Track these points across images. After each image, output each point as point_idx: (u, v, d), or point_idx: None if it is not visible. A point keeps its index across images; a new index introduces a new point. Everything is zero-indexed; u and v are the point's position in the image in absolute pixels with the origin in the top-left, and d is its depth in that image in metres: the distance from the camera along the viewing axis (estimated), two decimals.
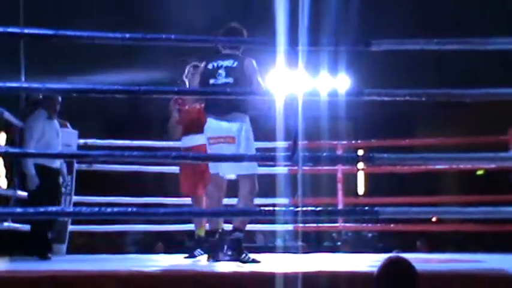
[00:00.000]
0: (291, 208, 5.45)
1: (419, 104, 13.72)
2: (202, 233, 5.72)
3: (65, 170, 6.04)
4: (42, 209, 3.73)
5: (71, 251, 6.66)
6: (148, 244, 11.40)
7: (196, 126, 5.56)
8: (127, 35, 3.71)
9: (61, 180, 5.90)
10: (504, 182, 7.23)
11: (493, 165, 7.52)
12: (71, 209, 6.08)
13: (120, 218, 3.86)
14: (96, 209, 3.71)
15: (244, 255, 4.80)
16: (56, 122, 5.81)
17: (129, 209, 3.92)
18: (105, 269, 4.00)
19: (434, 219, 12.74)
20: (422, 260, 5.52)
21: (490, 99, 4.06)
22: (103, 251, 7.50)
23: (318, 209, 3.95)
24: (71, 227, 6.64)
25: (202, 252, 5.52)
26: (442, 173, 14.88)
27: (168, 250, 9.18)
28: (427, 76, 13.47)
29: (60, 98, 5.74)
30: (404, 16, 11.80)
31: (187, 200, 7.23)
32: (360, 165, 7.76)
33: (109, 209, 3.71)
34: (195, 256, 5.62)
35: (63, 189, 6.12)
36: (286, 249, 7.43)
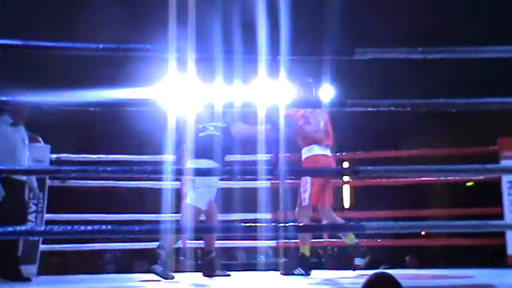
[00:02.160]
0: (273, 224, 5.49)
1: (406, 115, 13.82)
2: (306, 252, 5.89)
3: (35, 185, 5.92)
4: (10, 228, 3.69)
5: (42, 272, 6.59)
6: (126, 263, 11.32)
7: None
8: (101, 46, 3.71)
9: (31, 195, 5.83)
10: (494, 193, 7.27)
11: (481, 177, 7.57)
12: (42, 227, 6.02)
13: (94, 236, 3.83)
14: (69, 227, 3.68)
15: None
16: (22, 130, 5.67)
17: (104, 227, 3.90)
18: None
19: (423, 233, 12.80)
20: (411, 277, 5.55)
21: (476, 109, 4.08)
22: (78, 271, 7.45)
23: (301, 224, 3.95)
24: (42, 247, 6.57)
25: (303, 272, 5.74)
26: (431, 185, 14.96)
27: (147, 269, 9.12)
28: (414, 86, 13.54)
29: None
30: (390, 26, 11.88)
31: (166, 217, 7.23)
32: (345, 178, 7.78)
33: (82, 227, 3.68)
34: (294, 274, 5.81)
35: (34, 207, 6.06)
36: (268, 267, 7.42)
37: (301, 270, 5.85)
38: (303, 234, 5.76)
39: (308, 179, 5.99)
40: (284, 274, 5.92)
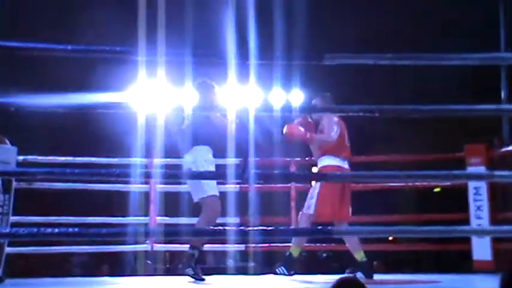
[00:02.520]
0: (242, 227, 5.49)
1: (375, 121, 13.94)
2: (295, 253, 5.95)
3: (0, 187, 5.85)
4: None
5: (7, 275, 6.50)
6: (93, 266, 11.25)
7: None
8: (69, 47, 3.68)
9: None
10: (460, 199, 7.34)
11: (447, 183, 7.63)
12: (8, 229, 5.94)
13: (60, 239, 3.80)
14: (35, 229, 3.64)
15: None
16: None
17: (70, 230, 3.87)
18: None
19: (391, 238, 12.87)
20: (378, 282, 5.58)
21: (443, 115, 4.12)
22: (44, 274, 7.38)
23: (270, 228, 3.95)
24: (7, 249, 6.49)
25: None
26: (399, 191, 15.06)
27: (114, 272, 9.09)
28: (384, 92, 13.64)
29: None
30: (358, 32, 11.96)
31: (134, 220, 7.20)
32: (314, 183, 7.78)
33: (49, 230, 3.64)
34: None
35: None
36: (237, 271, 7.41)
37: (283, 269, 5.88)
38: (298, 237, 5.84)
39: (317, 186, 5.93)
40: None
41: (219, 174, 4.29)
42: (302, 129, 5.90)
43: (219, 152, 5.74)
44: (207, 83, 5.87)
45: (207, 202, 5.61)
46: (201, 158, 5.62)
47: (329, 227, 3.86)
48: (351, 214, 6.01)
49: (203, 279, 5.49)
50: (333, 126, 5.94)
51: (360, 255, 5.84)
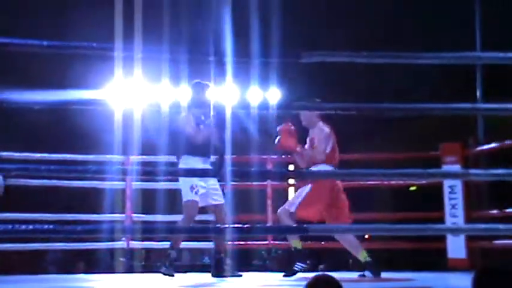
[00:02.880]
0: (218, 225, 5.47)
1: (351, 118, 13.98)
2: (298, 245, 5.90)
3: None
4: None
5: None
6: (69, 263, 11.18)
7: None
8: (45, 43, 3.64)
9: None
10: (435, 197, 7.38)
11: (423, 181, 7.67)
12: None
13: (35, 235, 3.76)
14: (10, 226, 3.61)
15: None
16: None
17: (45, 227, 3.84)
18: None
19: (366, 236, 12.92)
20: (354, 279, 5.60)
21: (420, 114, 4.14)
22: (19, 271, 7.32)
23: (246, 225, 3.95)
24: None
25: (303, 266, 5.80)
26: (375, 189, 15.12)
27: (90, 269, 9.04)
28: (362, 90, 13.70)
29: None
30: (340, 30, 11.99)
31: (110, 217, 7.16)
32: (290, 180, 7.81)
33: (23, 226, 3.62)
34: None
35: None
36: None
37: (300, 265, 5.89)
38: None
39: (308, 187, 5.91)
40: (286, 276, 5.93)
41: (194, 172, 4.28)
42: (294, 141, 5.93)
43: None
44: (202, 83, 5.87)
45: (184, 206, 5.72)
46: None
47: (305, 225, 3.86)
48: (346, 216, 5.97)
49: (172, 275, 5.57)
50: (325, 143, 5.93)
51: (363, 256, 5.85)
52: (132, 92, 7.27)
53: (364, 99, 4.26)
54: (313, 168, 5.95)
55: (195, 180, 5.67)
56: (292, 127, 5.90)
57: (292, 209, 5.87)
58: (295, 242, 5.93)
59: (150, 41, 4.00)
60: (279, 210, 6.00)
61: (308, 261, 5.96)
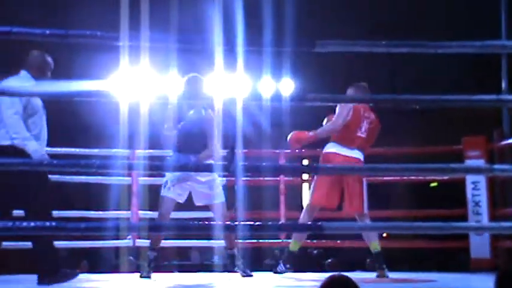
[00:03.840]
0: (229, 222, 5.49)
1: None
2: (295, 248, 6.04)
3: None
4: None
5: None
6: (72, 262, 11.22)
7: None
8: (47, 31, 3.66)
9: None
10: (458, 194, 7.36)
11: (445, 177, 7.65)
12: None
13: (37, 233, 3.79)
14: (10, 223, 3.63)
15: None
16: None
17: (47, 224, 3.86)
18: None
19: (385, 235, 12.89)
20: (372, 280, 5.60)
21: (441, 106, 4.13)
22: (19, 271, 7.34)
23: (258, 223, 3.96)
24: None
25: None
26: (394, 185, 15.08)
27: (94, 268, 9.07)
28: (378, 83, 13.66)
29: None
30: (355, 19, 11.96)
31: (115, 214, 7.18)
32: (305, 176, 7.80)
33: (25, 223, 3.64)
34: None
35: None
36: (224, 268, 7.41)
37: (282, 266, 5.96)
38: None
39: (316, 177, 6.02)
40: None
41: (204, 166, 4.29)
42: (304, 133, 5.96)
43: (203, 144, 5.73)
44: (197, 77, 5.85)
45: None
46: None
47: (320, 223, 3.86)
48: (365, 208, 5.98)
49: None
50: (343, 113, 5.87)
51: (295, 246, 6.05)
52: (138, 84, 7.29)
53: (383, 91, 4.24)
54: (326, 146, 5.98)
55: (171, 176, 5.73)
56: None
57: (309, 201, 5.96)
58: (294, 243, 5.97)
59: (157, 30, 4.00)
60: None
61: (289, 266, 6.09)
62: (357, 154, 6.00)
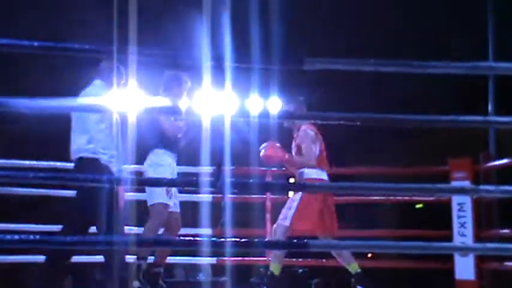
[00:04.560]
0: (214, 239, 5.45)
1: (356, 132, 13.99)
2: (276, 271, 5.87)
3: None
4: None
5: None
6: (56, 278, 11.11)
7: None
8: (35, 43, 3.64)
9: None
10: (443, 215, 7.37)
11: (431, 198, 7.66)
12: None
13: (21, 246, 3.75)
14: None
15: None
16: None
17: (31, 237, 3.83)
18: None
19: (369, 255, 12.88)
20: None
21: (429, 126, 4.14)
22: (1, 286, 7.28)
23: (243, 240, 3.94)
24: None
25: None
26: (379, 206, 15.08)
27: (77, 285, 8.99)
28: (366, 103, 13.69)
29: None
30: (343, 38, 12.00)
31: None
32: (291, 193, 7.79)
33: (8, 237, 3.60)
34: None
35: None
36: (209, 285, 7.39)
37: None
38: (275, 252, 5.74)
39: (297, 197, 5.93)
40: None
41: (191, 182, 4.27)
42: (280, 150, 5.93)
43: (192, 159, 5.73)
44: (179, 76, 5.81)
45: (153, 210, 5.66)
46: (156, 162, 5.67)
47: (306, 240, 3.85)
48: (336, 228, 6.01)
49: None
50: (312, 146, 5.92)
51: (276, 269, 5.89)
52: (127, 98, 7.26)
53: (369, 110, 4.24)
54: (304, 173, 5.96)
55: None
56: (277, 143, 5.94)
57: (287, 223, 5.86)
58: (274, 266, 5.88)
59: (146, 45, 4.00)
60: (274, 225, 6.00)
61: None
62: (326, 176, 6.06)
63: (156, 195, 5.61)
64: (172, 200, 5.65)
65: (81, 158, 4.80)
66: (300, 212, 5.88)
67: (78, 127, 4.85)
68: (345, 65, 4.02)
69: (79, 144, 4.84)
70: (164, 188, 5.57)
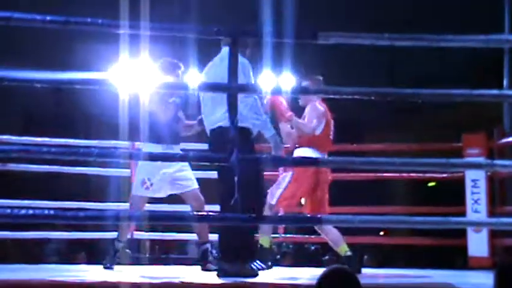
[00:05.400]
0: (226, 214, 5.44)
1: (370, 109, 13.93)
2: (266, 243, 5.80)
3: None
4: None
5: None
6: (70, 254, 11.20)
7: None
8: (47, 18, 3.63)
9: None
10: (457, 193, 7.33)
11: (444, 174, 7.61)
12: None
13: (35, 221, 3.76)
14: (8, 210, 3.61)
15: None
16: None
17: (46, 212, 3.84)
18: (16, 279, 3.89)
19: (382, 233, 12.90)
20: (368, 275, 5.58)
21: (443, 100, 4.11)
22: (17, 261, 7.33)
23: (253, 215, 3.93)
24: None
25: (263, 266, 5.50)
26: (393, 184, 15.06)
27: (92, 260, 9.05)
28: (379, 79, 13.64)
29: None
30: (356, 14, 11.94)
31: (113, 205, 7.14)
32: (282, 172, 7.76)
33: (23, 211, 3.62)
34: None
35: None
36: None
37: (259, 263, 5.80)
38: (263, 227, 5.68)
39: (288, 176, 5.85)
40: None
41: (205, 157, 4.26)
42: (286, 107, 5.79)
43: (203, 134, 5.69)
44: (171, 62, 5.79)
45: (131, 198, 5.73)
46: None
47: (319, 216, 3.84)
48: (326, 208, 5.89)
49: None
50: (314, 118, 5.81)
51: (343, 250, 5.79)
52: (139, 75, 7.26)
53: (382, 86, 4.21)
54: (298, 150, 5.87)
55: (154, 170, 5.59)
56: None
57: (273, 201, 5.78)
58: (263, 239, 5.83)
59: (157, 19, 3.98)
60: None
61: (270, 263, 5.81)
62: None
63: (135, 186, 5.70)
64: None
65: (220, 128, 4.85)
66: (288, 191, 5.81)
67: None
68: (359, 39, 4.00)
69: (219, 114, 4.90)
70: (141, 180, 5.62)
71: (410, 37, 3.94)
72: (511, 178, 7.16)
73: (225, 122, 4.67)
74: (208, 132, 5.01)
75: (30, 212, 3.64)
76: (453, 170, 6.90)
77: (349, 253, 5.75)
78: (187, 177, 5.73)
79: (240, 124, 4.24)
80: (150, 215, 4.73)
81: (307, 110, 5.87)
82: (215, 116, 4.89)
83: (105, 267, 5.63)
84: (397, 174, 8.08)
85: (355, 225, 3.86)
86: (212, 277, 4.57)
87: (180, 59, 5.98)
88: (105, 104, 9.10)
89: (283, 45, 5.15)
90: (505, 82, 7.65)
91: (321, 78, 5.92)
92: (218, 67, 4.84)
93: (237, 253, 4.72)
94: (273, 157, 4.53)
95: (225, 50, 4.93)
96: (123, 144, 7.16)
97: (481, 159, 6.92)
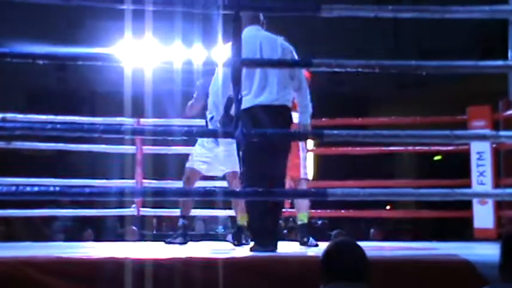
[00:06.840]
0: (234, 189, 5.46)
1: (375, 81, 13.89)
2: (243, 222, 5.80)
3: None
4: None
5: None
6: (76, 231, 11.26)
7: None
8: None
9: None
10: (462, 166, 7.32)
11: (450, 147, 7.61)
12: None
13: (41, 198, 3.77)
14: (14, 188, 3.62)
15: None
16: None
17: (52, 188, 3.85)
18: (23, 255, 3.91)
19: (388, 207, 12.90)
20: (374, 248, 5.59)
21: (448, 72, 4.09)
22: (24, 239, 7.36)
23: (261, 190, 3.94)
24: None
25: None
26: (398, 158, 15.05)
27: (98, 237, 9.10)
28: (383, 52, 13.57)
29: None
30: None
31: (118, 183, 7.15)
32: (309, 146, 7.75)
33: (28, 188, 3.63)
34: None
35: None
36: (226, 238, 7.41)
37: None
38: (297, 202, 5.76)
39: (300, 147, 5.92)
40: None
41: (209, 131, 4.26)
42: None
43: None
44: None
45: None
46: None
47: (324, 189, 3.84)
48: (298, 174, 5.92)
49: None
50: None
51: (242, 220, 5.78)
52: (143, 51, 7.25)
53: (387, 59, 4.19)
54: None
55: (199, 149, 5.70)
56: None
57: (308, 176, 5.88)
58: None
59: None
60: None
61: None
62: None
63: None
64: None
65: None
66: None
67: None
68: (362, 11, 3.98)
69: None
70: (191, 154, 5.78)
71: (414, 8, 3.93)
72: None
73: (288, 103, 4.80)
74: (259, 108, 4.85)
75: (36, 188, 3.65)
76: (458, 142, 6.87)
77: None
78: (231, 158, 5.72)
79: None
80: (153, 190, 4.74)
81: None
82: (280, 94, 4.85)
83: (179, 244, 5.63)
84: (403, 148, 8.08)
85: (361, 199, 3.86)
86: (217, 252, 4.59)
87: (185, 35, 5.97)
88: (110, 81, 9.10)
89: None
90: (509, 53, 7.61)
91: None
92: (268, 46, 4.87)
93: (255, 228, 4.77)
94: (278, 131, 4.52)
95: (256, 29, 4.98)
96: (128, 121, 7.17)
97: (486, 131, 6.91)
